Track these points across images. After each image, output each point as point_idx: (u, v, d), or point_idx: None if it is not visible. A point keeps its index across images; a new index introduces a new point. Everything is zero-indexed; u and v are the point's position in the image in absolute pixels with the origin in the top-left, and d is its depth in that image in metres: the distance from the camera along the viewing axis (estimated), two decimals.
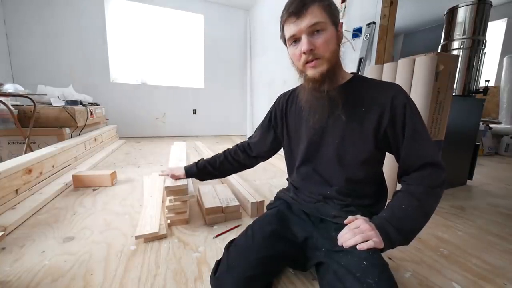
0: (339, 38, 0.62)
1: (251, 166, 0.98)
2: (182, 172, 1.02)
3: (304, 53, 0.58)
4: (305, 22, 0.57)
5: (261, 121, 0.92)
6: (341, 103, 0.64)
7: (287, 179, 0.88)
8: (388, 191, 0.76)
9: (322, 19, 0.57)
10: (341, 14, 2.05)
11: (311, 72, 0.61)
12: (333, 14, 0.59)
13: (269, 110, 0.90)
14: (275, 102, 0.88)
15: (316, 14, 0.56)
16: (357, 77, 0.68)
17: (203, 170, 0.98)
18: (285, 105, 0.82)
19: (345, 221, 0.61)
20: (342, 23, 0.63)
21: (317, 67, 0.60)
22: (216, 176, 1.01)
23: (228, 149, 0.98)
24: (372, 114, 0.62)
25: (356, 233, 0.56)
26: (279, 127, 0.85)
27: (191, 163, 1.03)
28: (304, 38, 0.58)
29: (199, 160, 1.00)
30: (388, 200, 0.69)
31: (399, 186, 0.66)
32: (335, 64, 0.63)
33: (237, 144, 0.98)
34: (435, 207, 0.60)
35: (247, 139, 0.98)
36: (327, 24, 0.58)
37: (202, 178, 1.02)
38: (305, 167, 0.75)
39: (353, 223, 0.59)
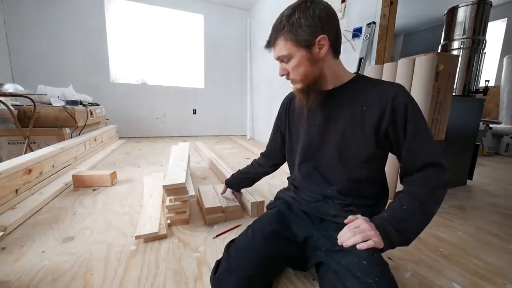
0: (314, 56, 0.61)
1: (270, 172, 1.08)
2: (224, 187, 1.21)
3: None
4: (273, 54, 0.66)
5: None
6: (343, 102, 0.65)
7: (288, 178, 0.88)
8: (389, 191, 0.76)
9: (285, 51, 0.62)
10: (340, 14, 2.04)
11: (293, 87, 0.70)
12: (300, 40, 0.60)
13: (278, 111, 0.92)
14: (282, 102, 0.89)
15: (279, 48, 0.63)
16: (359, 77, 0.69)
17: (240, 184, 1.19)
18: (288, 103, 0.84)
19: (345, 221, 0.61)
20: (325, 36, 0.59)
21: (294, 85, 0.68)
22: (247, 185, 1.20)
23: (255, 161, 1.09)
24: (372, 113, 0.62)
25: (356, 232, 0.56)
26: (283, 126, 0.87)
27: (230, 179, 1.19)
28: (279, 65, 0.67)
29: (235, 176, 1.16)
30: (389, 201, 0.69)
31: (399, 186, 0.65)
32: (312, 81, 0.65)
33: (257, 158, 1.10)
34: (436, 209, 0.60)
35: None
36: (293, 53, 0.62)
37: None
38: (306, 165, 0.75)
39: (353, 223, 0.59)
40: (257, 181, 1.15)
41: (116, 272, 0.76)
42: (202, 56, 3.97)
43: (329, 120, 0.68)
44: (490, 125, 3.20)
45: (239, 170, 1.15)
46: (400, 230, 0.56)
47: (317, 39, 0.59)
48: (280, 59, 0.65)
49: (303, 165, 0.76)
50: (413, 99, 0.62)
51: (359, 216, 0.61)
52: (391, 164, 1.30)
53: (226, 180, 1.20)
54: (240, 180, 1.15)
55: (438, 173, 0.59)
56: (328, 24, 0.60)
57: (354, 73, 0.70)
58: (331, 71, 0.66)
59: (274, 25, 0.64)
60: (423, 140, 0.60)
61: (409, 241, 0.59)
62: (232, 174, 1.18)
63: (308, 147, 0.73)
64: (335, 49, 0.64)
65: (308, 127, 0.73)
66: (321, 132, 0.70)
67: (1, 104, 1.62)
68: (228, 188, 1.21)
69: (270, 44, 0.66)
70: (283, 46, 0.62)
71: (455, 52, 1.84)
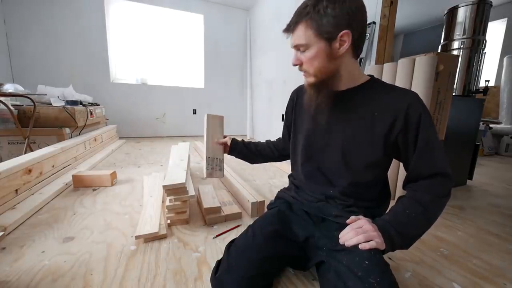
0: (333, 52, 0.57)
1: (280, 159, 0.98)
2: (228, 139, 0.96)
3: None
4: (292, 40, 0.62)
5: None
6: (354, 105, 0.64)
7: (289, 176, 0.87)
8: (391, 194, 0.76)
9: (303, 40, 0.58)
10: None
11: (304, 80, 0.66)
12: (322, 30, 0.56)
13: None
14: (290, 96, 0.87)
15: (298, 35, 0.59)
16: (373, 80, 0.66)
17: (242, 150, 0.95)
18: (295, 97, 0.82)
19: (348, 221, 0.61)
20: (349, 32, 0.55)
21: (306, 78, 0.65)
22: (251, 158, 0.98)
23: (270, 141, 1.01)
24: (384, 120, 0.61)
25: (358, 232, 0.56)
26: (288, 121, 0.86)
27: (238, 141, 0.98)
28: (294, 53, 0.63)
29: (244, 141, 0.98)
30: (391, 204, 0.69)
31: (398, 187, 0.65)
32: (326, 78, 0.61)
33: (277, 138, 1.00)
34: (438, 215, 0.60)
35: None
36: (311, 43, 0.58)
37: (237, 154, 0.97)
38: (309, 165, 0.74)
39: (356, 223, 0.59)
40: (259, 161, 1.00)
41: (116, 272, 0.76)
42: (202, 56, 3.96)
43: (336, 121, 0.67)
44: (490, 125, 3.20)
45: (251, 141, 0.99)
46: (401, 234, 0.56)
47: (340, 33, 0.55)
48: (297, 47, 0.61)
49: (305, 164, 0.75)
50: (427, 108, 0.60)
51: (361, 216, 0.61)
52: (391, 167, 1.29)
53: (233, 139, 0.97)
54: (245, 149, 0.96)
55: (444, 182, 0.60)
56: (356, 19, 0.56)
57: (368, 75, 0.68)
58: (347, 71, 0.62)
59: (297, 9, 0.59)
60: (433, 151, 0.59)
61: (409, 245, 0.60)
62: (243, 140, 0.99)
63: (311, 147, 0.72)
64: (357, 48, 0.60)
65: (313, 126, 0.71)
66: (327, 133, 0.69)
67: (1, 104, 1.62)
68: (226, 147, 0.95)
69: (290, 29, 0.60)
70: (302, 34, 0.58)
71: (455, 52, 1.84)
